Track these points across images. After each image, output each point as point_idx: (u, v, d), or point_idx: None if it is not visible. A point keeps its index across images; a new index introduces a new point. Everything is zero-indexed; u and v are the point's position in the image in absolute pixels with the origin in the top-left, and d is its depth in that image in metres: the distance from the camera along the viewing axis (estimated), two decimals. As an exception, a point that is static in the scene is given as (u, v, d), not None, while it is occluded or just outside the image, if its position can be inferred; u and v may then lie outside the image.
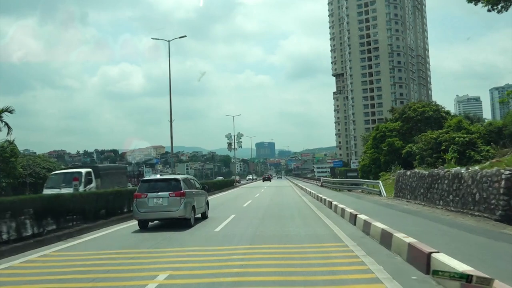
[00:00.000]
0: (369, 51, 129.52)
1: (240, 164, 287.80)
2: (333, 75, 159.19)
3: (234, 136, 67.58)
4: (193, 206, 13.90)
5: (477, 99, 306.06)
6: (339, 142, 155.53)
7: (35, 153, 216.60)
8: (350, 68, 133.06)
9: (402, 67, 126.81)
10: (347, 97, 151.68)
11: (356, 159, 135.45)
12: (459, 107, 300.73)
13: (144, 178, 17.43)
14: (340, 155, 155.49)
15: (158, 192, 13.17)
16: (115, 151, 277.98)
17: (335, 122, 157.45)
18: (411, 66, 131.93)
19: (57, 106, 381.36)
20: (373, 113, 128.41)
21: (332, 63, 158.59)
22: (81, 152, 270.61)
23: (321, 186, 47.53)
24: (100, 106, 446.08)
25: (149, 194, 13.09)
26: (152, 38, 33.28)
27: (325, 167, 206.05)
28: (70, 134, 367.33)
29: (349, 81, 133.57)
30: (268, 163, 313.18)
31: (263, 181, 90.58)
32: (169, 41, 32.27)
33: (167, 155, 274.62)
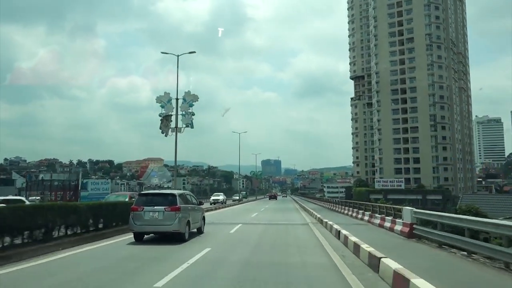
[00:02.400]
0: (401, 43, 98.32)
1: (243, 181, 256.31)
2: (352, 77, 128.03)
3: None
4: (188, 221, 13.33)
5: (498, 121, 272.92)
6: (357, 158, 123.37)
7: (25, 160, 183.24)
8: (376, 64, 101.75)
9: (442, 63, 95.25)
10: (369, 103, 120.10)
11: (381, 177, 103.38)
12: (478, 128, 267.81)
13: (142, 192, 16.62)
14: (358, 172, 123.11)
15: (154, 206, 12.69)
16: (110, 162, 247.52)
17: (352, 134, 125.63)
18: (453, 64, 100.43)
19: (64, 116, 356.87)
20: (405, 120, 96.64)
21: (350, 63, 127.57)
22: (74, 161, 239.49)
23: (411, 232, 14.12)
24: (105, 118, 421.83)
25: (146, 208, 12.61)
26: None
27: (337, 187, 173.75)
28: (76, 144, 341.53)
29: (375, 80, 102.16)
30: (273, 181, 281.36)
31: (269, 199, 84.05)
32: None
33: (164, 169, 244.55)
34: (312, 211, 28.26)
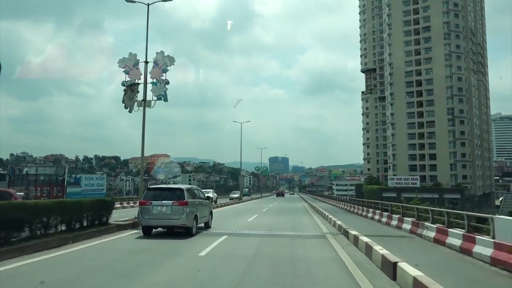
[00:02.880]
0: (417, 32, 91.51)
1: (250, 178, 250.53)
2: (363, 70, 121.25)
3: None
4: (196, 216, 13.28)
5: (511, 118, 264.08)
6: (368, 154, 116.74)
7: (32, 156, 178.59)
8: (389, 55, 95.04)
9: (461, 53, 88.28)
10: (381, 97, 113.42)
11: (394, 175, 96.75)
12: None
13: (150, 186, 16.95)
14: (369, 169, 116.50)
15: (162, 200, 12.69)
16: (116, 158, 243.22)
17: (363, 129, 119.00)
18: (472, 55, 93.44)
19: (72, 112, 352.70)
20: (421, 114, 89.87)
21: (361, 56, 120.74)
22: (81, 157, 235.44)
23: None
24: (113, 114, 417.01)
25: (154, 202, 12.63)
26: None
27: (346, 185, 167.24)
28: (85, 140, 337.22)
29: (388, 72, 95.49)
30: (280, 178, 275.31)
31: (276, 196, 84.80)
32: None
33: (171, 165, 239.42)
34: (325, 212, 22.28)
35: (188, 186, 15.15)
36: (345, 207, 32.03)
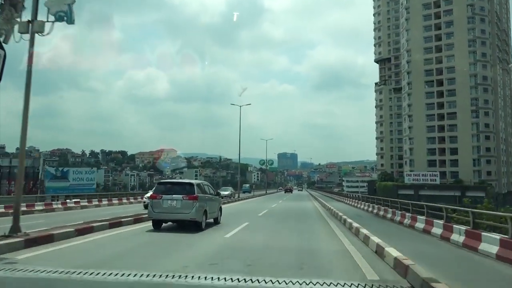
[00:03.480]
0: (438, 16, 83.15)
1: (258, 173, 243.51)
2: (376, 60, 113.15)
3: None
4: (205, 211, 13.16)
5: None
6: (381, 149, 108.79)
7: (38, 150, 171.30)
8: (407, 41, 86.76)
9: (486, 39, 79.88)
10: (396, 88, 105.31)
11: (412, 171, 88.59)
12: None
13: (161, 181, 16.99)
14: (382, 165, 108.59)
15: (172, 194, 12.69)
16: (123, 153, 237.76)
17: (376, 123, 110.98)
18: (498, 41, 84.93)
19: (83, 108, 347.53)
20: (441, 105, 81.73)
21: (375, 45, 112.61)
22: (87, 152, 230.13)
23: None
24: (122, 109, 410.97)
25: (164, 196, 12.69)
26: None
27: (356, 181, 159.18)
28: (94, 135, 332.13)
29: (405, 59, 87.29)
30: (288, 174, 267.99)
31: (284, 192, 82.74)
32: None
33: (178, 159, 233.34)
34: (349, 220, 14.85)
35: (198, 181, 14.73)
36: (368, 208, 24.69)
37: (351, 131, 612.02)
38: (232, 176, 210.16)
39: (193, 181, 13.76)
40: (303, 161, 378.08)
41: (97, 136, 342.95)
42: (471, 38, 79.00)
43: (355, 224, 12.99)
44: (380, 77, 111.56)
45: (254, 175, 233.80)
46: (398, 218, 17.03)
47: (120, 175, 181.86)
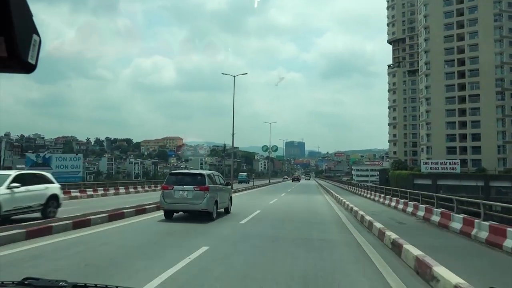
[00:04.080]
0: (460, -11, 74.94)
1: (264, 162, 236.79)
2: (389, 41, 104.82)
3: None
4: (216, 201, 13.23)
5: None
6: (394, 136, 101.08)
7: (43, 137, 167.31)
8: (425, 17, 78.28)
9: (514, 13, 71.55)
10: (411, 71, 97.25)
11: (429, 158, 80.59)
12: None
13: (172, 171, 16.07)
14: (395, 153, 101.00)
15: (184, 185, 12.74)
16: (128, 140, 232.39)
17: (388, 108, 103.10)
18: (525, 16, 76.26)
19: (90, 96, 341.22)
20: (462, 87, 73.67)
21: (388, 24, 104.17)
22: (92, 139, 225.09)
23: None
24: (130, 98, 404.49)
25: (176, 187, 12.75)
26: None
27: (366, 170, 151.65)
28: (102, 124, 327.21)
29: (423, 37, 78.93)
30: (295, 163, 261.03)
31: (292, 181, 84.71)
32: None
33: (183, 148, 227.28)
34: (399, 240, 7.84)
35: (209, 171, 14.52)
36: (397, 205, 17.66)
37: (359, 120, 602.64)
38: (238, 165, 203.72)
39: (204, 172, 13.59)
40: (311, 149, 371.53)
41: (104, 124, 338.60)
42: (497, 12, 70.52)
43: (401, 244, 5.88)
44: (394, 58, 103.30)
45: (261, 164, 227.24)
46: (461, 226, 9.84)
47: (124, 163, 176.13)
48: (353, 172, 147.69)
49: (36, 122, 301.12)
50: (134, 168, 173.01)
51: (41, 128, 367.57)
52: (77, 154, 53.29)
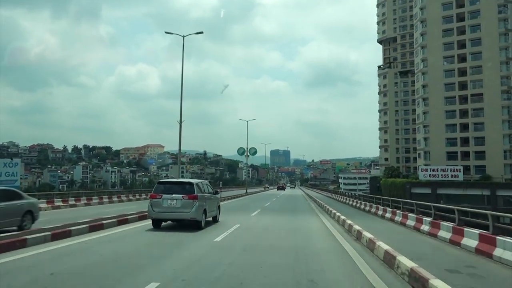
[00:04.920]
0: (459, -22, 67.02)
1: (249, 170, 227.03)
2: (380, 41, 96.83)
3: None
4: (205, 210, 12.85)
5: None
6: (385, 141, 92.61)
7: (18, 145, 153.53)
8: (421, 10, 69.77)
9: (519, 4, 63.78)
10: (403, 72, 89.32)
11: (427, 165, 70.55)
12: None
13: (161, 180, 15.35)
14: (386, 159, 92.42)
15: (172, 194, 12.36)
16: (107, 148, 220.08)
17: (379, 111, 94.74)
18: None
19: (73, 104, 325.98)
20: (463, 85, 65.49)
21: (378, 23, 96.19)
22: (69, 147, 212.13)
23: None
24: (114, 106, 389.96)
25: (164, 196, 12.35)
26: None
27: (354, 178, 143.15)
28: (85, 132, 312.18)
29: (419, 31, 70.59)
30: (280, 171, 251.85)
31: (277, 190, 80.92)
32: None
33: (164, 156, 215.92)
34: None
35: (197, 180, 14.29)
36: (422, 226, 8.53)
37: (344, 128, 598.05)
38: (221, 173, 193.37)
39: (193, 181, 13.36)
40: (296, 158, 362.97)
41: (87, 133, 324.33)
42: (501, 2, 62.72)
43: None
44: (384, 59, 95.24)
45: (245, 172, 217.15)
46: None
47: (101, 171, 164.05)
48: (340, 181, 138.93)
49: (16, 130, 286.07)
50: (111, 176, 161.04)
51: (22, 136, 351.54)
52: (12, 159, 43.15)
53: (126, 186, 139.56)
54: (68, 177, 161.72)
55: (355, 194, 36.52)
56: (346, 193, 40.72)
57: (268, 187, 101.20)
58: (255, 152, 43.61)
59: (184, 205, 12.05)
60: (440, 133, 66.09)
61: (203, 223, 12.48)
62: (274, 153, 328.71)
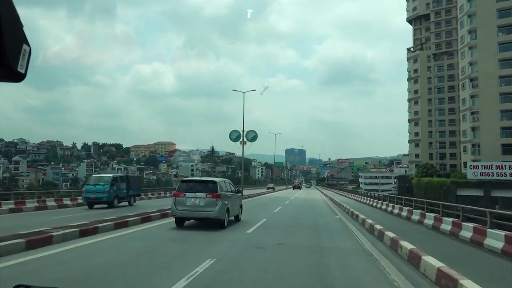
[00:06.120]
0: None
1: (262, 169, 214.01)
2: (409, 20, 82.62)
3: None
4: (228, 209, 12.54)
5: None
6: (416, 134, 78.44)
7: (27, 142, 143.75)
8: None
9: None
10: (437, 54, 75.11)
11: (474, 160, 54.08)
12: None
13: (184, 179, 15.26)
14: (417, 156, 78.21)
15: (196, 192, 12.11)
16: (118, 146, 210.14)
17: (408, 100, 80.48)
18: None
19: (89, 103, 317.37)
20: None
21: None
22: (79, 145, 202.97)
23: None
24: (130, 104, 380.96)
25: (187, 194, 12.12)
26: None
27: (375, 177, 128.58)
28: (100, 131, 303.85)
29: (465, -3, 56.37)
30: (295, 170, 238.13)
31: (293, 189, 76.23)
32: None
33: (175, 153, 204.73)
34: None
35: (220, 179, 14.00)
36: None
37: (360, 127, 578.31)
38: (233, 171, 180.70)
39: (216, 179, 13.13)
40: (311, 157, 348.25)
41: (102, 132, 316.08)
42: None
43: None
44: (414, 40, 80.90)
45: (258, 171, 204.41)
46: None
47: (106, 169, 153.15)
48: (360, 180, 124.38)
49: (34, 129, 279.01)
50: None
51: (39, 135, 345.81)
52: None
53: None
54: (73, 174, 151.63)
55: (365, 192, 23.35)
56: (363, 193, 27.84)
57: (272, 188, 72.35)
58: (255, 138, 30.40)
59: (208, 203, 11.78)
60: (493, 121, 51.75)
61: (226, 222, 12.16)
62: (289, 151, 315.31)
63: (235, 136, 29.64)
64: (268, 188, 72.29)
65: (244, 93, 26.53)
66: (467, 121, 55.27)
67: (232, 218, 13.60)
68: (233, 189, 14.19)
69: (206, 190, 12.02)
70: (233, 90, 26.24)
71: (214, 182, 12.45)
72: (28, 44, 0.91)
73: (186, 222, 12.68)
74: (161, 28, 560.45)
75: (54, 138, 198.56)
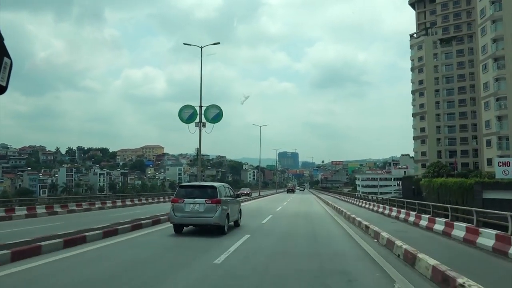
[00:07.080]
0: None
1: (254, 172, 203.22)
2: (411, 2, 73.06)
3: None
4: (228, 214, 11.67)
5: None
6: (421, 130, 68.74)
7: (8, 147, 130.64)
8: None
9: None
10: (444, 39, 65.63)
11: (502, 156, 43.52)
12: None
13: (182, 184, 14.63)
14: (424, 154, 68.41)
15: (195, 198, 11.27)
16: (103, 150, 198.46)
17: (412, 92, 70.79)
18: None
19: (80, 108, 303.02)
20: None
21: (410, -21, 72.61)
22: (63, 149, 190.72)
23: None
24: (119, 109, 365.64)
25: (186, 200, 11.29)
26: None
27: (374, 179, 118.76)
28: (92, 136, 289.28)
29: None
30: (289, 173, 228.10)
31: (287, 193, 74.16)
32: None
33: (163, 157, 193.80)
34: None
35: (219, 184, 12.96)
36: None
37: (352, 130, 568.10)
38: (223, 175, 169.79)
39: (215, 184, 12.19)
40: (304, 160, 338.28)
41: (93, 137, 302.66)
42: None
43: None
44: (418, 25, 71.32)
45: (250, 174, 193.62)
46: None
47: (88, 174, 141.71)
48: (357, 182, 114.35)
49: (23, 135, 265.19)
50: (99, 180, 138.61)
51: (29, 140, 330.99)
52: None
53: (115, 191, 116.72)
54: (52, 180, 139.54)
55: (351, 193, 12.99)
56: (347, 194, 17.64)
57: (248, 192, 50.27)
58: (218, 117, 19.40)
59: (207, 209, 11.05)
60: (524, 109, 42.06)
61: (226, 228, 11.41)
62: (282, 155, 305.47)
63: (188, 114, 19.10)
64: (241, 194, 31.07)
65: (201, 47, 19.87)
66: (490, 109, 45.42)
67: (232, 223, 12.78)
68: (232, 193, 13.37)
69: (206, 195, 11.27)
70: (184, 43, 18.24)
71: (214, 187, 11.64)
72: (9, 57, 0.82)
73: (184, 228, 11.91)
74: (152, 32, 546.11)
75: (45, 144, 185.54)
